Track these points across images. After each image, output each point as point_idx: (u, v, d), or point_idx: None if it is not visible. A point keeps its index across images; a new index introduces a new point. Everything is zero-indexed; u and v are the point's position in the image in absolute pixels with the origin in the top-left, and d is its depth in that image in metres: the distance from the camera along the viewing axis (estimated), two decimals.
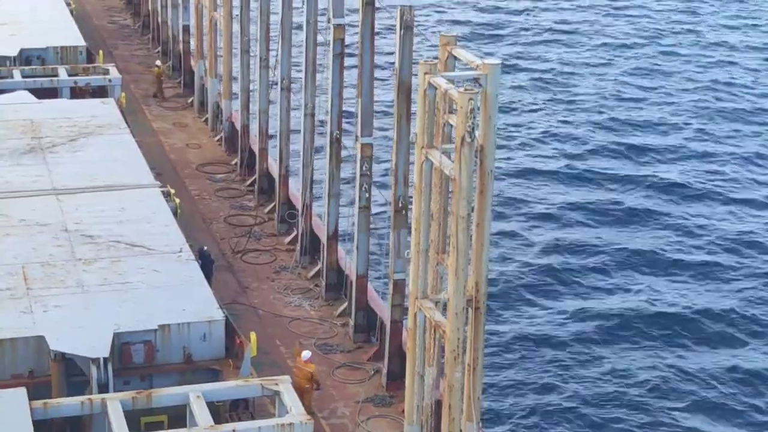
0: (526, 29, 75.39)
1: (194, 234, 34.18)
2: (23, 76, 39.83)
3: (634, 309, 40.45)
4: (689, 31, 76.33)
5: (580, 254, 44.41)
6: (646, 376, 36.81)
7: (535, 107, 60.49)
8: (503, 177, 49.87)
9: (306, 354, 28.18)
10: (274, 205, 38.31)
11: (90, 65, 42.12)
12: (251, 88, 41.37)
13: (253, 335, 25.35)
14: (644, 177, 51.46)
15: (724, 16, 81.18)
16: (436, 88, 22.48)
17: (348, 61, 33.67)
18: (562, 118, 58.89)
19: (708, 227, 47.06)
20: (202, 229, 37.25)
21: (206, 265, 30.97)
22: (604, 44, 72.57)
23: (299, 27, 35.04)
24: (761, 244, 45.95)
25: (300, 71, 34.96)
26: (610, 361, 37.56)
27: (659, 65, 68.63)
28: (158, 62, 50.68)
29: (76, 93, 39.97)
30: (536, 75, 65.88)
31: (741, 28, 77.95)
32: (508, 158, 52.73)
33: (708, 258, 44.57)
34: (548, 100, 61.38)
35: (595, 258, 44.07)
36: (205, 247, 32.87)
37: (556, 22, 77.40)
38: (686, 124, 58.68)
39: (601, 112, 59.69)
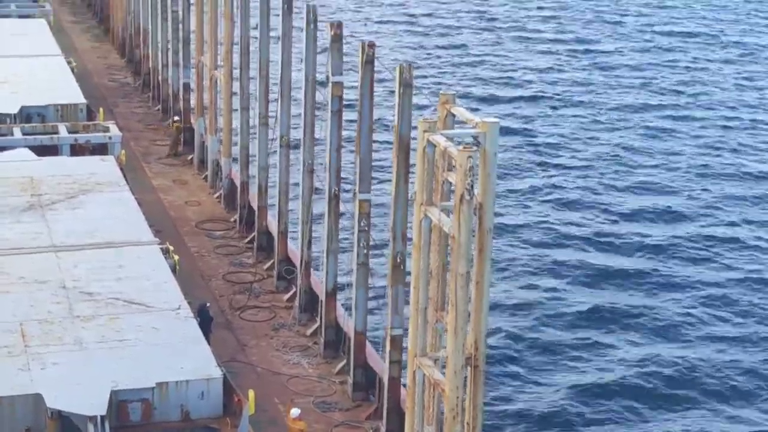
0: (524, 87, 75.93)
1: (193, 291, 34.13)
2: (23, 133, 39.95)
3: (635, 371, 40.31)
4: (697, 93, 76.83)
5: (579, 313, 44.37)
6: None
7: (532, 165, 60.81)
8: (502, 234, 50.05)
9: (295, 411, 28.10)
10: (273, 262, 38.31)
11: (90, 123, 42.28)
12: (251, 145, 41.56)
13: (251, 393, 25.22)
14: (644, 236, 51.67)
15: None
16: (435, 146, 22.58)
17: (348, 117, 33.91)
18: (561, 177, 59.24)
19: (710, 289, 47.14)
20: (200, 286, 37.22)
21: (205, 321, 30.94)
22: (598, 103, 73.16)
23: (298, 84, 35.29)
24: None
25: (299, 128, 35.16)
26: (614, 420, 37.38)
27: (658, 124, 69.18)
28: (176, 117, 50.61)
29: (76, 150, 40.09)
30: (533, 133, 66.34)
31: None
32: (507, 215, 52.95)
33: (706, 317, 44.67)
34: (544, 160, 61.76)
35: (594, 317, 44.08)
36: (208, 304, 32.82)
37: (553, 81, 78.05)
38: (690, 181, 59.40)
39: (599, 172, 60.10)
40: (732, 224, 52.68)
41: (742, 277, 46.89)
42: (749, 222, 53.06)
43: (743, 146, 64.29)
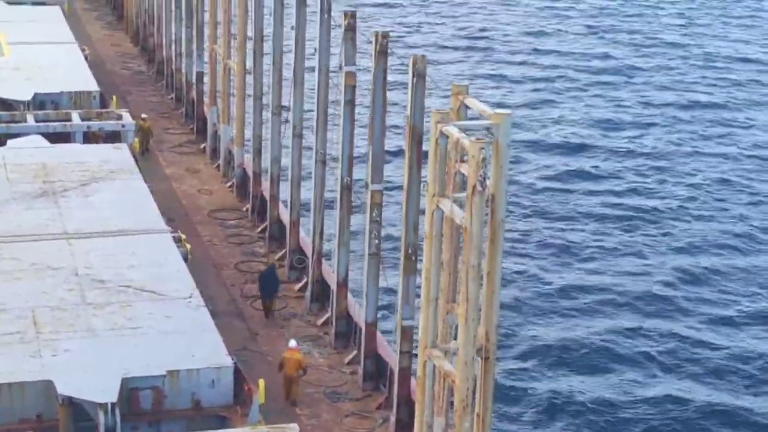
0: (537, 79, 75.79)
1: (204, 279, 34.19)
2: (36, 121, 40.04)
3: (651, 355, 40.33)
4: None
5: (593, 303, 44.36)
6: None
7: (545, 155, 60.73)
8: (515, 224, 50.02)
9: (292, 342, 29.43)
10: (285, 252, 38.33)
11: (103, 110, 42.36)
12: (263, 134, 41.57)
13: (261, 382, 25.28)
14: (664, 227, 51.57)
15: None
16: (447, 137, 22.55)
17: (361, 108, 33.89)
18: (576, 166, 59.18)
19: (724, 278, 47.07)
20: (212, 275, 37.26)
21: (271, 282, 33.98)
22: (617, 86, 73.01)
23: (311, 73, 35.28)
24: None
25: (312, 118, 35.16)
26: (626, 412, 37.36)
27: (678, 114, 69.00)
28: (144, 115, 49.08)
29: (89, 138, 40.18)
30: (548, 123, 66.25)
31: None
32: (519, 205, 52.90)
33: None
34: (559, 147, 61.68)
35: (608, 310, 44.02)
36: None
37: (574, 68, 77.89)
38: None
39: (617, 161, 59.97)
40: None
41: None
42: None
43: None
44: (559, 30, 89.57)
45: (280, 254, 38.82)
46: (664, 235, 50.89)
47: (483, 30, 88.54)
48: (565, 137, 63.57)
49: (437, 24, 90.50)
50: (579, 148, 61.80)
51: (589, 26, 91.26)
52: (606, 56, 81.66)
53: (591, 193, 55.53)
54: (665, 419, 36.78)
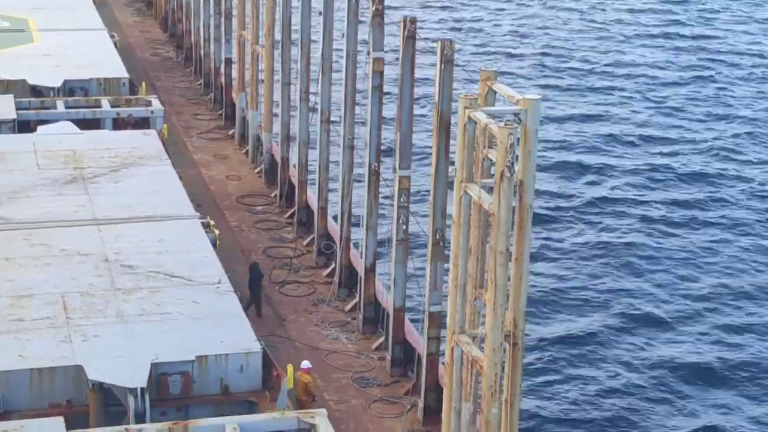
0: (566, 64, 75.38)
1: (233, 265, 34.29)
2: (66, 107, 40.22)
3: (681, 351, 40.07)
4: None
5: (623, 289, 44.14)
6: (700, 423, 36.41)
7: (574, 140, 60.42)
8: (542, 210, 49.82)
9: (305, 363, 28.31)
10: (313, 238, 38.38)
11: (132, 97, 42.47)
12: (292, 120, 41.59)
13: (290, 368, 25.33)
14: (695, 221, 51.14)
15: None
16: (475, 123, 22.48)
17: (389, 95, 33.82)
18: (603, 149, 58.83)
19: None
20: (240, 261, 37.35)
21: (254, 279, 33.25)
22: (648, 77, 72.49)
23: (340, 59, 35.26)
24: None
25: (340, 104, 35.15)
26: (657, 404, 37.19)
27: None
28: None
29: (119, 124, 40.31)
30: (576, 108, 65.89)
31: None
32: (548, 191, 52.67)
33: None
34: (586, 138, 61.32)
35: (641, 294, 43.76)
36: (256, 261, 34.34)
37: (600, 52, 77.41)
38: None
39: (646, 150, 59.55)
40: None
41: None
42: None
43: None
44: (593, 18, 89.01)
45: (308, 240, 38.89)
46: (697, 222, 50.56)
47: (518, 18, 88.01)
48: (596, 122, 63.23)
49: (464, 8, 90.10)
50: (611, 137, 61.25)
51: (628, 19, 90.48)
52: (647, 47, 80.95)
53: (624, 176, 55.19)
54: (691, 412, 36.53)
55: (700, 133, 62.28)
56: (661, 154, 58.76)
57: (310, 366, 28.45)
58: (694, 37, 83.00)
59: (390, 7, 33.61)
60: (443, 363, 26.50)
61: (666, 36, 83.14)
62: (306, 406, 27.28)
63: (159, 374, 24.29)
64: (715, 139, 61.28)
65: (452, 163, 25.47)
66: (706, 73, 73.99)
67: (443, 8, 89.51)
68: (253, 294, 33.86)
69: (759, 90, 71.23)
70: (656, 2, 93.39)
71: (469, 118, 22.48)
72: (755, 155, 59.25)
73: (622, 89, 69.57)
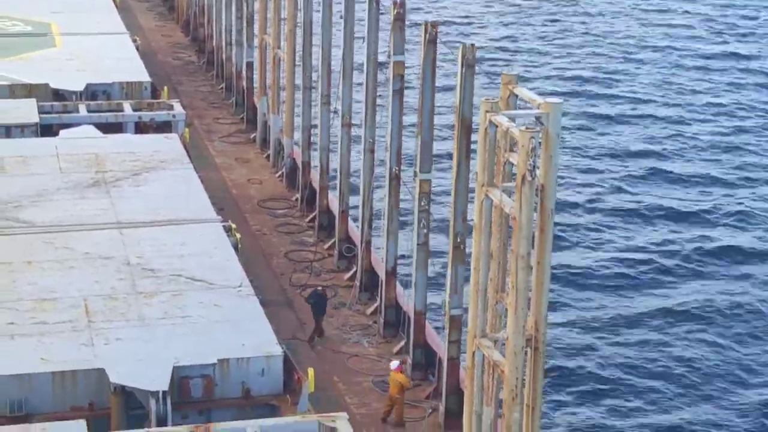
0: (586, 70, 75.24)
1: (254, 269, 34.35)
2: (89, 111, 40.35)
3: (702, 352, 39.90)
4: None
5: (643, 293, 43.99)
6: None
7: (594, 144, 60.29)
8: (564, 215, 49.69)
9: (394, 363, 28.82)
10: (334, 241, 38.42)
11: (154, 101, 42.60)
12: (313, 124, 41.65)
13: (311, 371, 25.33)
14: (708, 211, 50.98)
15: None
16: (497, 126, 22.47)
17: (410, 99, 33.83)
18: (625, 157, 58.66)
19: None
20: (262, 264, 37.43)
21: (319, 304, 33.07)
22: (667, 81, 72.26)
23: (361, 64, 35.28)
24: None
25: (361, 108, 35.19)
26: (676, 406, 37.02)
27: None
28: None
29: (141, 128, 40.43)
30: (598, 110, 65.74)
31: None
32: (568, 196, 52.56)
33: None
34: (607, 136, 61.16)
35: (664, 297, 43.56)
36: (320, 288, 33.96)
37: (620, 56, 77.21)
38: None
39: (669, 150, 59.33)
40: None
41: None
42: None
43: None
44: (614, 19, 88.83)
45: (329, 243, 38.93)
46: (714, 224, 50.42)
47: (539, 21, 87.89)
48: (617, 126, 63.09)
49: (485, 14, 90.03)
50: (634, 139, 61.12)
51: (645, 18, 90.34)
52: (667, 48, 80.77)
53: (646, 181, 54.99)
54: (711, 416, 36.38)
55: (727, 138, 62.03)
56: (686, 159, 58.59)
57: (400, 364, 28.91)
58: (724, 44, 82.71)
59: (412, 10, 33.52)
60: (464, 367, 26.49)
61: (695, 42, 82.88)
62: (398, 402, 28.55)
63: (180, 377, 24.34)
64: (743, 144, 60.99)
65: (473, 167, 25.45)
66: (736, 79, 73.64)
67: (463, 15, 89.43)
68: (318, 321, 33.66)
69: None
70: (678, 9, 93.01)
71: (491, 121, 22.48)
72: None
73: (643, 96, 69.37)
